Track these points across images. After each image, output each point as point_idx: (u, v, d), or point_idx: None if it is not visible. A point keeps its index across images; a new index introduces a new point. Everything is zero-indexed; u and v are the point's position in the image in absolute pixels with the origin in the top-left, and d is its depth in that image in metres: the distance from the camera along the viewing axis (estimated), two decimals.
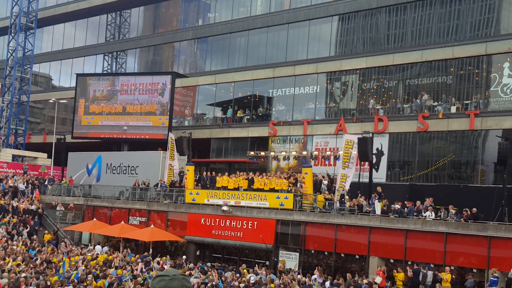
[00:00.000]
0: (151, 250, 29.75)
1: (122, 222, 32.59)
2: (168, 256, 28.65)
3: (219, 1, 42.91)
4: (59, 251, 28.47)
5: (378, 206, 26.01)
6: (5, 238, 30.55)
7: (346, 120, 33.44)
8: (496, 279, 21.12)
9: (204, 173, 34.74)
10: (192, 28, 44.02)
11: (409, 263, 24.01)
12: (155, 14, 48.67)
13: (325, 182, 29.78)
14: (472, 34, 30.59)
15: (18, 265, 22.92)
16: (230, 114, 39.55)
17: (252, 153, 35.73)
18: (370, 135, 28.71)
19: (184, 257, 28.52)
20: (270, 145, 36.77)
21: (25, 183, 40.45)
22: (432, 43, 31.65)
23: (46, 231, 34.16)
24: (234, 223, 29.46)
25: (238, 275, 24.32)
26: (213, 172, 34.21)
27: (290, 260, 27.49)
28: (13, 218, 34.59)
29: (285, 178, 30.50)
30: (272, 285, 21.94)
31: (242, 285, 21.99)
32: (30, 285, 19.18)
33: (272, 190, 29.98)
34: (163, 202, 33.22)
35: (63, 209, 37.10)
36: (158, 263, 26.06)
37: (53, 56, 53.68)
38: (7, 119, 49.51)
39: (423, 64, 31.78)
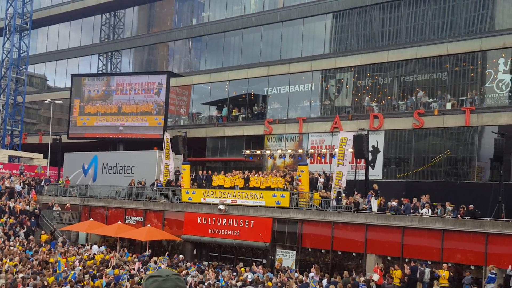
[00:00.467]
0: (148, 250, 29.72)
1: (119, 222, 32.55)
2: (166, 254, 28.57)
3: (213, 0, 42.85)
4: (55, 251, 28.41)
5: (374, 204, 26.01)
6: (2, 239, 30.49)
7: (341, 118, 33.44)
8: (493, 275, 21.15)
9: (200, 172, 34.71)
10: (186, 28, 43.97)
11: (406, 260, 24.00)
12: (149, 13, 48.59)
13: (322, 180, 29.76)
14: (466, 30, 30.61)
15: (15, 265, 22.88)
16: (226, 112, 39.53)
17: (247, 151, 35.70)
18: (366, 132, 28.71)
19: (181, 256, 28.50)
20: (265, 143, 36.76)
21: (22, 183, 40.39)
22: (426, 40, 31.67)
23: (43, 232, 34.10)
24: (231, 222, 29.44)
25: (235, 273, 24.31)
26: (209, 171, 34.19)
27: (287, 258, 27.49)
28: (10, 218, 34.54)
29: (281, 176, 30.49)
30: (269, 283, 21.93)
31: (239, 283, 21.99)
32: (28, 286, 19.16)
33: (268, 188, 29.96)
34: (159, 201, 33.19)
35: (60, 209, 37.03)
36: (155, 262, 26.03)
37: (48, 57, 53.55)
38: (3, 120, 49.43)
39: (418, 60, 31.80)
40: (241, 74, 39.11)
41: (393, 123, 31.76)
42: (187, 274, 22.96)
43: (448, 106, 30.33)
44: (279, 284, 21.77)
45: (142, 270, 24.02)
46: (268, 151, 34.92)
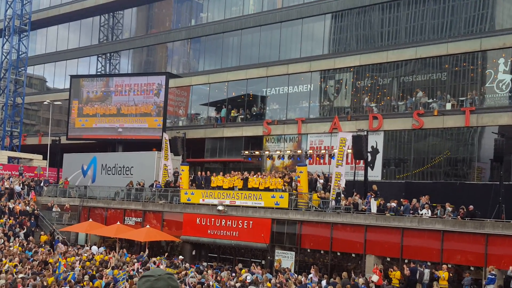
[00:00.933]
0: (147, 250, 29.65)
1: (118, 223, 32.53)
2: (164, 255, 28.52)
3: (212, 1, 42.81)
4: (55, 252, 28.37)
5: (374, 204, 25.95)
6: (2, 240, 30.45)
7: (340, 118, 33.39)
8: (493, 276, 21.07)
9: (199, 173, 34.66)
10: (185, 28, 43.94)
11: (406, 261, 23.92)
12: (148, 14, 48.56)
13: (321, 181, 29.70)
14: (466, 30, 30.56)
15: (15, 266, 22.84)
16: (224, 113, 39.47)
17: (246, 152, 35.67)
18: (365, 133, 28.65)
19: (181, 257, 28.43)
20: (264, 144, 36.71)
21: (21, 184, 40.38)
22: (426, 40, 31.62)
23: (42, 232, 34.06)
24: (230, 223, 29.39)
25: (234, 274, 24.25)
26: (208, 172, 34.14)
27: (286, 259, 27.44)
28: (10, 219, 34.51)
29: (279, 177, 30.43)
30: (268, 284, 21.87)
31: (238, 284, 21.92)
32: (27, 286, 19.12)
33: (267, 189, 29.91)
34: (158, 202, 33.15)
35: (59, 210, 37.01)
36: (155, 263, 25.96)
37: (47, 58, 53.55)
38: (3, 121, 49.40)
39: (417, 61, 31.74)
40: (240, 75, 39.08)
41: (393, 124, 31.69)
42: (186, 275, 22.89)
43: (448, 106, 30.27)
44: (278, 285, 21.70)
45: (141, 270, 23.96)
46: (267, 152, 34.88)
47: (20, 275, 20.53)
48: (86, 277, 20.99)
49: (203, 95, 42.11)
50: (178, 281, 3.76)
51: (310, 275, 24.01)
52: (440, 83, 31.17)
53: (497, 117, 28.45)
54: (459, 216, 23.82)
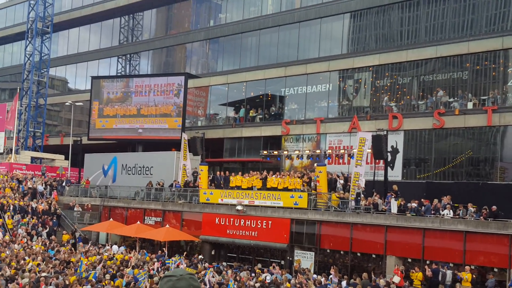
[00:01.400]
0: (165, 250, 29.81)
1: (138, 222, 32.76)
2: (184, 254, 28.65)
3: (230, 2, 42.91)
4: (77, 251, 28.71)
5: (394, 205, 25.73)
6: (25, 239, 30.91)
7: (359, 118, 33.20)
8: None
9: (218, 172, 34.74)
10: (203, 29, 44.09)
11: (428, 262, 23.70)
12: (167, 16, 48.83)
13: (341, 181, 29.55)
14: (488, 29, 30.16)
15: (37, 265, 23.17)
16: (243, 113, 39.52)
17: (265, 152, 35.66)
18: (385, 132, 28.44)
19: (200, 256, 28.54)
20: (283, 144, 36.65)
21: (44, 184, 40.90)
22: (446, 39, 31.28)
23: (64, 232, 34.48)
24: (249, 223, 29.41)
25: (253, 274, 24.26)
26: (227, 172, 34.20)
27: (305, 259, 27.36)
28: (32, 219, 34.98)
29: (298, 177, 30.36)
30: (288, 284, 21.85)
31: (257, 284, 21.93)
32: (50, 285, 19.36)
33: (286, 189, 29.86)
34: (177, 202, 33.31)
35: (80, 209, 37.43)
36: (174, 262, 26.09)
37: (69, 59, 54.22)
38: (26, 122, 50.10)
39: (437, 60, 31.41)
40: (258, 75, 39.08)
41: (413, 123, 31.41)
42: (205, 274, 22.96)
43: (470, 105, 29.89)
44: (298, 286, 21.66)
45: (161, 270, 24.11)
46: (285, 152, 34.82)
47: (43, 274, 20.80)
48: (107, 276, 21.21)
49: (222, 95, 42.22)
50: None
51: (330, 276, 23.91)
52: (461, 82, 30.80)
53: None
54: (482, 217, 23.50)
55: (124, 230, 33.09)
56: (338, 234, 26.90)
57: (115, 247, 31.06)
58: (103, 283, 20.19)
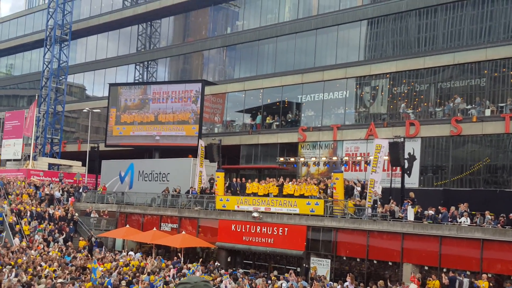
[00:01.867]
0: (181, 257, 29.84)
1: (154, 229, 32.85)
2: (200, 261, 28.69)
3: (247, 9, 43.11)
4: (93, 257, 28.84)
5: (411, 212, 25.55)
6: (42, 245, 31.15)
7: (376, 125, 33.07)
8: None
9: (234, 179, 34.77)
10: (221, 36, 44.30)
11: (444, 270, 23.48)
12: (184, 23, 49.17)
13: (359, 188, 29.43)
14: (506, 35, 29.94)
15: (54, 271, 23.32)
16: (259, 120, 39.56)
17: (281, 159, 35.63)
18: (402, 139, 28.29)
19: (217, 263, 28.54)
20: (299, 151, 36.62)
21: (61, 190, 41.24)
22: (464, 45, 31.10)
23: (81, 238, 34.69)
24: (265, 230, 29.37)
25: (269, 281, 24.21)
26: (243, 179, 34.22)
27: (321, 266, 27.23)
28: (49, 225, 35.24)
29: (315, 184, 30.29)
30: None
31: None
32: None
33: (302, 196, 29.80)
34: (194, 208, 33.39)
35: (97, 216, 37.65)
36: (189, 269, 26.13)
37: (87, 66, 54.77)
38: (43, 128, 50.66)
39: (455, 66, 31.23)
40: (275, 82, 39.14)
41: (430, 130, 31.22)
42: (221, 281, 22.98)
43: (487, 112, 29.65)
44: None
45: (177, 277, 24.17)
46: (302, 159, 34.76)
47: (59, 280, 20.95)
48: (123, 283, 21.30)
49: (239, 102, 42.33)
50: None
51: (346, 283, 23.78)
52: (479, 89, 30.57)
53: None
54: (499, 225, 23.25)
55: (141, 236, 33.19)
56: (354, 241, 26.75)
57: (131, 253, 31.17)
58: None
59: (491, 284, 22.17)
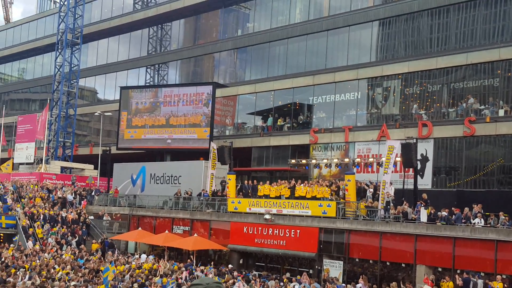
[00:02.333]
0: (193, 259, 29.84)
1: (166, 231, 32.91)
2: (211, 264, 28.68)
3: (258, 11, 43.10)
4: (106, 260, 28.93)
5: (424, 213, 25.38)
6: (55, 248, 31.30)
7: (388, 126, 32.90)
8: None
9: (246, 181, 34.75)
10: (231, 39, 44.31)
11: (458, 271, 23.30)
12: (195, 26, 49.25)
13: (371, 190, 29.29)
14: None
15: (67, 273, 23.42)
16: (271, 122, 39.50)
17: (293, 161, 35.55)
18: (414, 140, 28.11)
19: (230, 266, 28.50)
20: (311, 152, 36.51)
21: (73, 194, 41.44)
22: (477, 45, 30.85)
23: (93, 241, 34.83)
24: (277, 232, 29.32)
25: (281, 283, 24.14)
26: (255, 181, 34.18)
27: (334, 268, 27.12)
28: (62, 228, 35.42)
29: (327, 186, 30.19)
30: None
31: None
32: None
33: (314, 198, 29.72)
34: (205, 211, 33.40)
35: (109, 218, 37.79)
36: (202, 271, 26.13)
37: (98, 70, 55.00)
38: (56, 132, 50.96)
39: (468, 67, 30.99)
40: (286, 84, 39.07)
41: (443, 131, 31.00)
42: (234, 283, 22.94)
43: (501, 113, 29.39)
44: None
45: (189, 279, 24.16)
46: (313, 161, 34.66)
47: (72, 283, 21.05)
48: (136, 285, 21.34)
49: (250, 104, 42.30)
50: None
51: (359, 285, 23.66)
52: (492, 89, 30.32)
53: None
54: None
55: (153, 239, 33.28)
56: (367, 243, 26.63)
57: (143, 256, 31.24)
58: None
59: (505, 286, 21.97)
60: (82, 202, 40.38)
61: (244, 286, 22.66)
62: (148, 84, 49.55)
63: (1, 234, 34.91)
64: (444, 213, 25.07)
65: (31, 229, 34.18)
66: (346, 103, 36.19)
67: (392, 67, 33.83)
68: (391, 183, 28.20)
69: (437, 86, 32.31)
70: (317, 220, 28.24)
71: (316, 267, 27.78)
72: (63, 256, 28.52)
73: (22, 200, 38.64)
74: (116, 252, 32.13)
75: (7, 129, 59.47)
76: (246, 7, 44.55)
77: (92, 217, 38.05)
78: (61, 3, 52.87)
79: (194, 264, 28.81)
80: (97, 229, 36.82)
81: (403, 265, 25.70)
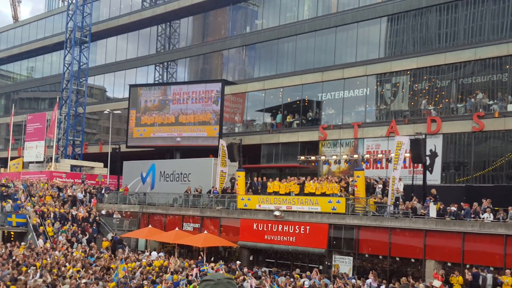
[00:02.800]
0: (204, 256, 29.99)
1: (177, 229, 33.08)
2: (221, 261, 28.84)
3: (266, 8, 43.12)
4: (116, 257, 29.13)
5: (433, 209, 25.42)
6: (66, 246, 31.53)
7: (397, 122, 32.90)
8: None
9: (255, 178, 34.85)
10: (240, 36, 44.37)
11: (468, 266, 23.34)
12: (203, 23, 49.32)
13: (380, 186, 29.33)
14: None
15: (78, 271, 23.60)
16: (280, 119, 39.55)
17: (302, 157, 35.61)
18: (423, 136, 28.13)
19: (238, 262, 28.65)
20: (320, 149, 36.55)
21: (83, 192, 41.67)
22: (485, 41, 30.77)
23: (104, 238, 35.04)
24: (287, 228, 29.42)
25: (292, 279, 24.26)
26: (264, 178, 34.28)
27: (344, 264, 27.22)
28: (73, 226, 35.63)
29: (336, 182, 30.25)
30: None
31: None
32: None
33: (324, 194, 29.78)
34: (215, 208, 33.53)
35: (120, 216, 37.99)
36: (212, 268, 26.27)
37: (107, 68, 55.20)
38: (65, 130, 51.26)
39: (476, 62, 30.92)
40: (295, 81, 39.09)
41: (452, 127, 30.97)
42: (244, 280, 23.08)
43: (510, 108, 29.32)
44: None
45: (199, 276, 24.30)
46: (323, 157, 34.71)
47: (83, 281, 21.19)
48: (146, 282, 21.50)
49: (259, 101, 42.37)
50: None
51: (369, 280, 23.74)
52: (501, 84, 30.24)
53: None
54: None
55: (163, 236, 33.45)
56: (376, 238, 26.70)
57: (154, 253, 31.42)
58: None
59: None
60: (92, 200, 40.61)
61: (255, 282, 22.78)
62: (157, 82, 49.71)
63: (12, 233, 35.24)
64: (453, 208, 25.11)
65: (41, 228, 34.44)
66: (355, 99, 36.18)
67: (401, 63, 33.79)
68: (400, 179, 28.22)
69: (445, 82, 32.26)
70: (326, 216, 28.32)
71: (326, 263, 27.88)
72: (74, 254, 28.68)
73: (33, 198, 38.93)
74: (126, 250, 32.34)
75: (17, 127, 59.86)
76: (254, 4, 44.60)
77: (104, 212, 38.31)
78: (70, 1, 53.14)
79: (204, 261, 28.97)
80: (107, 227, 37.05)
81: (413, 260, 25.75)
